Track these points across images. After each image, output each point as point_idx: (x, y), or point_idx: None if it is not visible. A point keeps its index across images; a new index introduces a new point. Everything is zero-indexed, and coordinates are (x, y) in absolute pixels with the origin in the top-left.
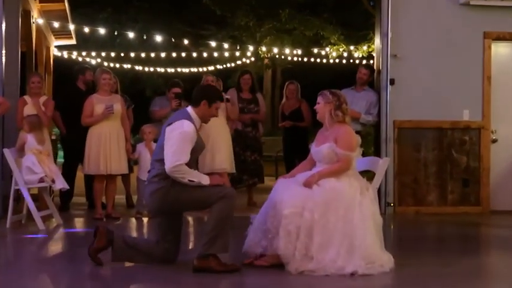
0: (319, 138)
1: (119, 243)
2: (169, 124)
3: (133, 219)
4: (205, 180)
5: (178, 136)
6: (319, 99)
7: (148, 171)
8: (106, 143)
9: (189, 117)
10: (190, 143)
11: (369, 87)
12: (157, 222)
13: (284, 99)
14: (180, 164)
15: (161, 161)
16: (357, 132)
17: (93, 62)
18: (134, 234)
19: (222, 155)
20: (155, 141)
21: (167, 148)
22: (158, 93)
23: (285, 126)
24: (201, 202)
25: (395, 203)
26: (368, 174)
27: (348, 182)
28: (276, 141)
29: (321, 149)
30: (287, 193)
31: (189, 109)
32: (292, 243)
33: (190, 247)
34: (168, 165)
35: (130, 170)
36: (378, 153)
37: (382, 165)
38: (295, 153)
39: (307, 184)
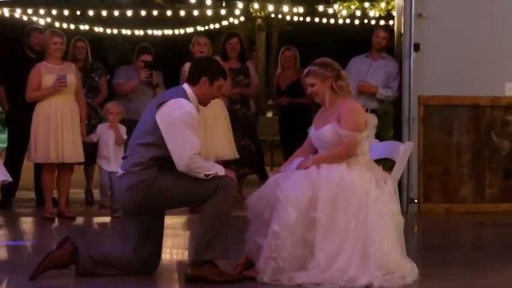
0: (319, 120)
1: (84, 263)
2: (161, 103)
3: (94, 220)
4: (221, 171)
5: (181, 119)
6: (311, 79)
7: (123, 158)
8: (57, 124)
9: (185, 97)
10: (197, 125)
11: (388, 55)
12: (134, 225)
13: (279, 70)
14: (196, 155)
15: (147, 146)
16: (373, 111)
17: (42, 22)
18: (96, 239)
19: (220, 141)
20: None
21: (173, 139)
22: (123, 61)
23: (281, 103)
24: (192, 197)
25: (421, 199)
26: (386, 163)
27: (359, 173)
28: (272, 121)
29: (322, 132)
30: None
31: (186, 87)
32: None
33: (175, 254)
34: (184, 161)
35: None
36: (398, 137)
37: (404, 151)
38: (294, 137)
39: (299, 168)
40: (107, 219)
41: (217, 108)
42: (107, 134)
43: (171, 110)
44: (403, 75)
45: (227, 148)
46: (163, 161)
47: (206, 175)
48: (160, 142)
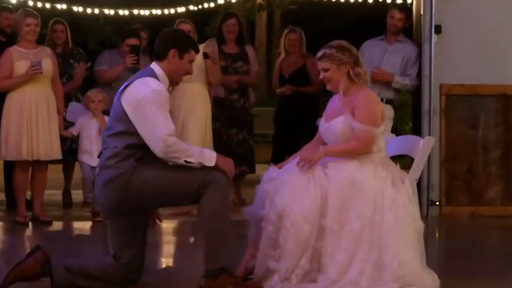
0: (330, 111)
1: (59, 274)
2: (125, 87)
3: (73, 225)
4: (210, 159)
5: (147, 99)
6: (326, 63)
7: (100, 153)
8: (31, 116)
9: (153, 76)
10: (167, 105)
11: (406, 38)
12: (114, 227)
13: (283, 55)
14: (171, 136)
15: (118, 135)
16: (388, 102)
17: (13, 0)
18: (75, 246)
19: (193, 133)
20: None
21: (142, 122)
22: (106, 45)
23: (284, 93)
24: (175, 192)
25: (443, 201)
26: (403, 161)
27: (374, 172)
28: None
29: (332, 124)
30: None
31: (154, 65)
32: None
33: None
34: (158, 144)
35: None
36: (417, 131)
37: (424, 147)
38: (299, 132)
39: (306, 158)
40: (87, 224)
41: (199, 97)
42: (88, 126)
43: (136, 91)
44: (422, 61)
45: (201, 143)
46: (140, 150)
47: (186, 161)
48: (132, 129)
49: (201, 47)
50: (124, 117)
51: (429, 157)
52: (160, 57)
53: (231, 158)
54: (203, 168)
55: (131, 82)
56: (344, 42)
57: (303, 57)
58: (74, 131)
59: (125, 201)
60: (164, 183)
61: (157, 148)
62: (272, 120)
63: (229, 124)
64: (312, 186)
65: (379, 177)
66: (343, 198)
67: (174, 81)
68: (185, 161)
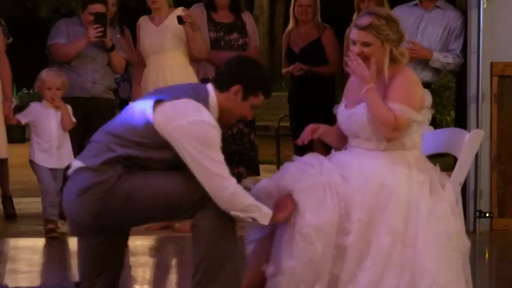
0: (352, 94)
1: None
2: (162, 99)
3: (18, 242)
4: (266, 216)
5: (198, 132)
6: (369, 36)
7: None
8: None
9: (205, 103)
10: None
11: (447, 3)
12: (84, 247)
13: (292, 25)
14: (234, 184)
15: (123, 142)
16: (425, 86)
17: None
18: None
19: None
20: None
21: (190, 157)
22: (62, 13)
23: (293, 73)
24: (169, 205)
25: (495, 213)
26: (444, 161)
27: (407, 174)
28: (278, 100)
29: (356, 111)
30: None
31: (210, 89)
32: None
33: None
34: (221, 195)
35: None
36: (462, 123)
37: (471, 143)
38: (313, 121)
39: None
40: (39, 241)
41: (178, 70)
42: (44, 117)
43: (181, 114)
44: (468, 33)
45: None
46: (138, 163)
47: (252, 219)
48: (151, 144)
49: (180, 10)
50: (148, 132)
51: (477, 156)
52: (221, 86)
53: (225, 156)
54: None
55: (177, 97)
56: (391, 12)
57: (317, 28)
58: (22, 118)
59: (104, 215)
60: (155, 192)
61: (219, 196)
62: (275, 109)
63: None
64: (329, 196)
65: (414, 181)
66: (371, 210)
67: (222, 122)
68: (252, 217)
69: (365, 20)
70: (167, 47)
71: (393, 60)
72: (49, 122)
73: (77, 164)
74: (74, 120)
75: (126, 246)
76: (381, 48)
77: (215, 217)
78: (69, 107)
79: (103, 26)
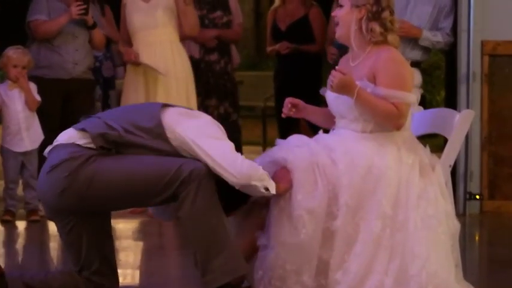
0: None
1: None
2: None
3: None
4: (273, 185)
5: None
6: None
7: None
8: None
9: None
10: None
11: None
12: (72, 236)
13: (278, 2)
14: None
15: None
16: (415, 65)
17: None
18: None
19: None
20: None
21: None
22: None
23: (279, 51)
24: (143, 186)
25: (485, 195)
26: (434, 142)
27: (396, 156)
28: (264, 79)
29: None
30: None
31: None
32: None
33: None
34: (239, 170)
35: None
36: (452, 102)
37: (461, 124)
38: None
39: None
40: (20, 224)
41: (169, 48)
42: (10, 99)
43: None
44: (458, 10)
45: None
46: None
47: (266, 189)
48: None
49: None
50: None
51: (467, 137)
52: None
53: None
54: (175, 158)
55: None
56: None
57: (304, 5)
58: None
59: (69, 194)
60: (123, 176)
61: (236, 174)
62: (261, 88)
63: (206, 93)
64: (318, 179)
65: (403, 164)
66: (359, 194)
67: None
68: (265, 188)
69: None
70: (160, 22)
71: (364, 36)
72: (14, 104)
73: (61, 138)
74: (39, 99)
75: (107, 229)
76: (350, 13)
77: (192, 204)
78: (33, 86)
79: (85, 3)
